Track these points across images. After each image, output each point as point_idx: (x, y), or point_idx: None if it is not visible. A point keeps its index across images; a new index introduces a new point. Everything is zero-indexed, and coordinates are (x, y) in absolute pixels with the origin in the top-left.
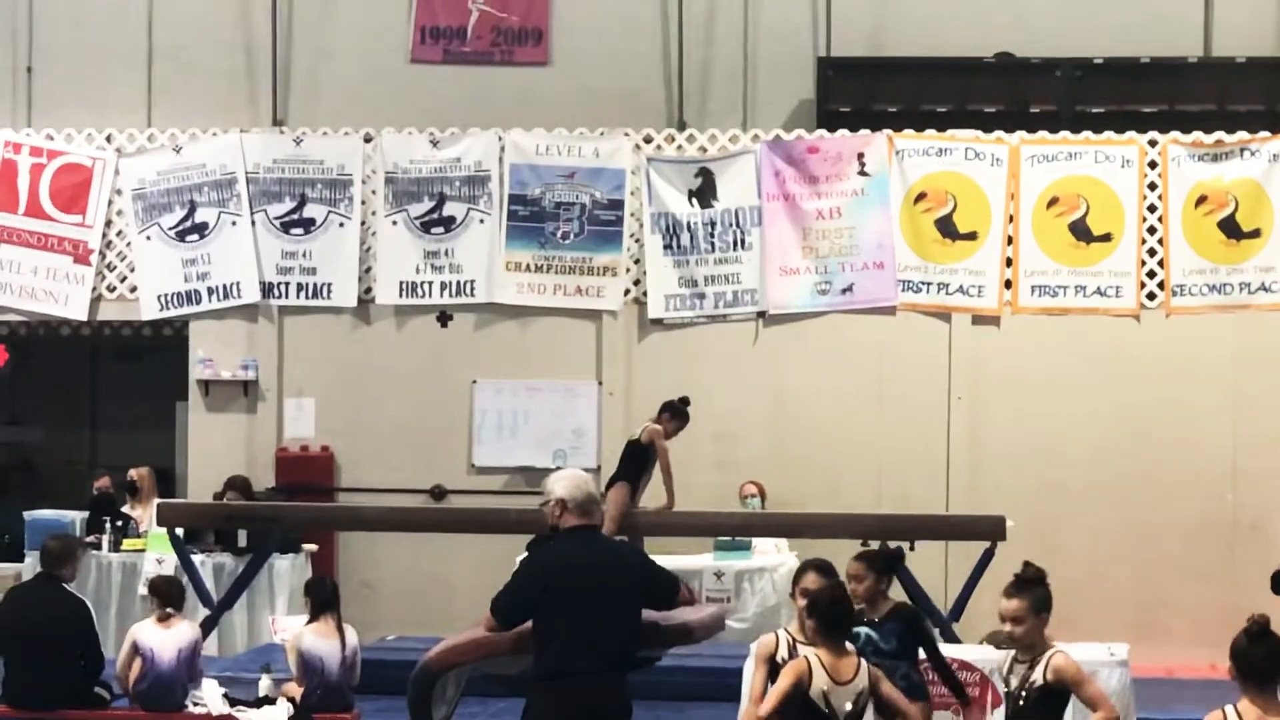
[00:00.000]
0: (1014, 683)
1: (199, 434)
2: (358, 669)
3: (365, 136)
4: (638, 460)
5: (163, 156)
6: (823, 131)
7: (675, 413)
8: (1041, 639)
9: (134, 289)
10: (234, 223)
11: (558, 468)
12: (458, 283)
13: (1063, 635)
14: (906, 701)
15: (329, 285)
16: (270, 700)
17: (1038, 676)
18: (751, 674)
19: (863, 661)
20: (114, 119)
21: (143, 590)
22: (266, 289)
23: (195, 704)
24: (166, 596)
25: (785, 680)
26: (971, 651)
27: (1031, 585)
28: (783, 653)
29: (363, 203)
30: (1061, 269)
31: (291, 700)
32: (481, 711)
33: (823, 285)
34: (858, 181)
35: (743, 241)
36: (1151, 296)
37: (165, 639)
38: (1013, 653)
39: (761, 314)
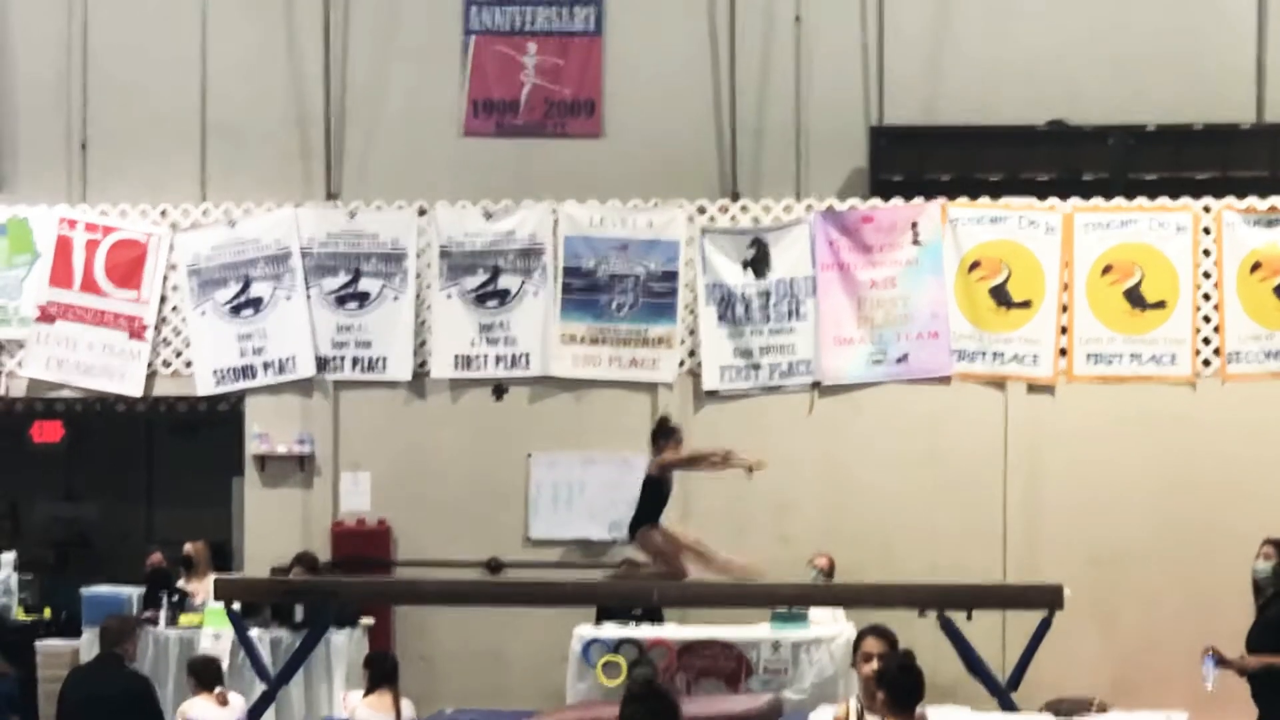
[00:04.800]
0: None
1: (255, 509)
2: None
3: (419, 210)
4: (655, 496)
5: (217, 232)
6: (876, 201)
7: (667, 434)
8: None
9: (189, 364)
10: (288, 297)
11: (614, 540)
12: (512, 355)
13: (1122, 703)
14: None
15: (384, 359)
16: None
17: None
18: None
19: None
20: (168, 194)
21: None
22: (321, 363)
23: None
24: (204, 676)
25: None
26: None
27: (890, 633)
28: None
29: (417, 276)
30: (1116, 337)
31: None
32: None
33: (877, 355)
34: (911, 251)
35: (797, 311)
36: (1207, 363)
37: (222, 716)
38: (855, 703)
39: (816, 384)
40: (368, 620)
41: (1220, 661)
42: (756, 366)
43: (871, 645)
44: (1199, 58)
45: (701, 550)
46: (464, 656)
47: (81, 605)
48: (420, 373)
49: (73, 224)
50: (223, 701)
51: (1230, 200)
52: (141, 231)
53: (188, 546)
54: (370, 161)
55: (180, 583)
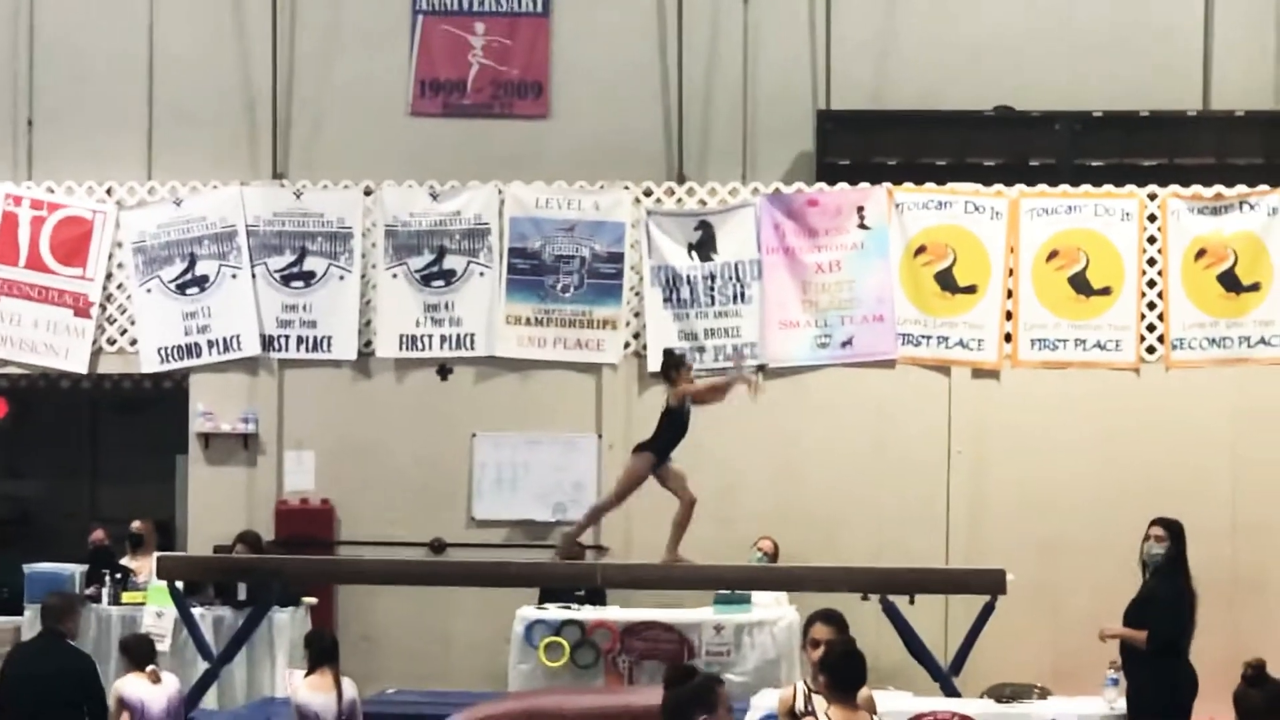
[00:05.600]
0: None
1: (199, 487)
2: None
3: (365, 189)
4: (670, 426)
5: (163, 209)
6: (822, 185)
7: (678, 364)
8: None
9: (134, 342)
10: (234, 275)
11: (558, 521)
12: (458, 336)
13: (1065, 689)
14: None
15: (329, 338)
16: None
17: None
18: None
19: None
20: (114, 172)
21: None
22: (267, 342)
23: None
24: (136, 654)
25: None
26: (972, 705)
27: (840, 618)
28: (799, 704)
29: (363, 255)
30: (1061, 322)
31: None
32: None
33: (823, 338)
34: (857, 235)
35: (743, 295)
36: (1151, 350)
37: (155, 693)
38: (803, 686)
39: (761, 367)
40: (310, 600)
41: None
42: (702, 349)
43: (819, 631)
44: (1146, 45)
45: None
46: (407, 637)
47: (24, 582)
48: (365, 352)
49: (18, 201)
50: (155, 679)
51: (1176, 188)
52: (87, 209)
53: (136, 524)
54: (317, 141)
55: (126, 560)
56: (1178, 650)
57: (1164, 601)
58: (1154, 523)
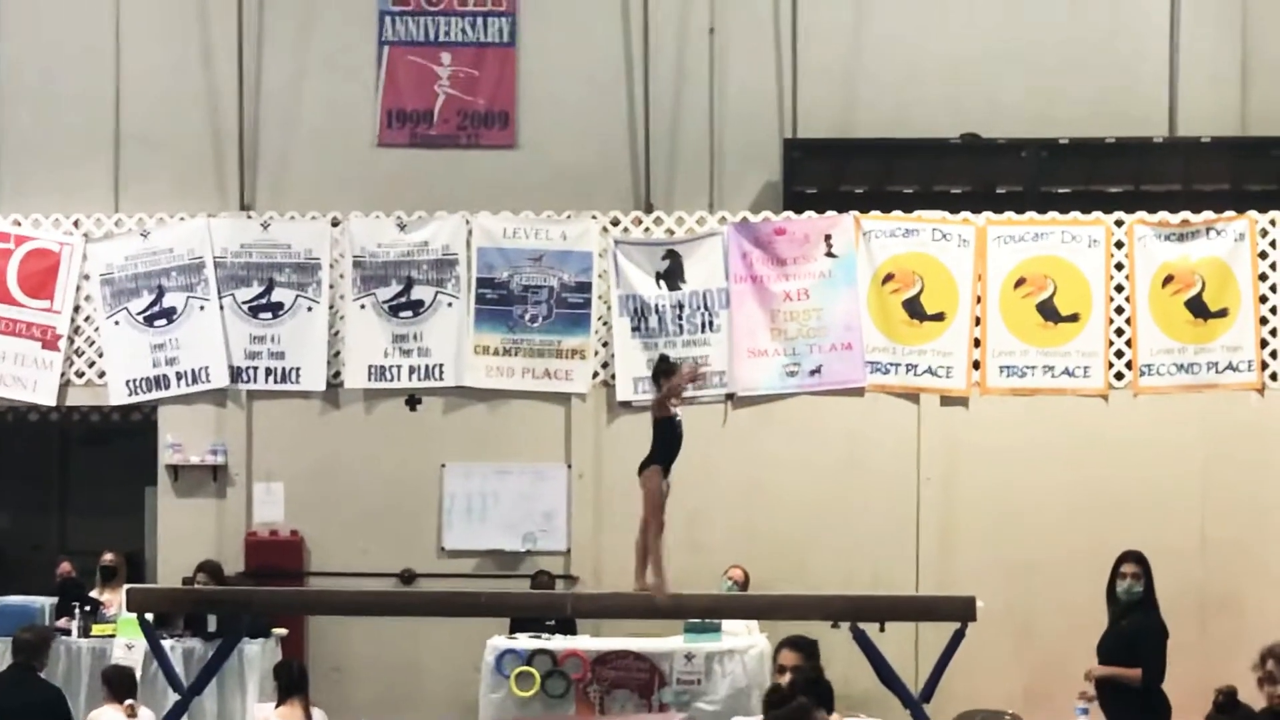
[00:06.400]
0: None
1: (168, 519)
2: None
3: (333, 220)
4: (662, 436)
5: (130, 241)
6: (789, 213)
7: (668, 371)
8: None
9: (102, 374)
10: (202, 307)
11: (527, 551)
12: (426, 366)
13: (1035, 715)
14: None
15: (297, 369)
16: None
17: None
18: None
19: None
20: (81, 204)
21: None
22: (235, 373)
23: None
24: (117, 687)
25: None
26: None
27: (809, 645)
28: None
29: (331, 286)
30: (1029, 349)
31: None
32: None
33: (791, 367)
34: (825, 263)
35: (711, 323)
36: (1119, 376)
37: None
38: None
39: (730, 396)
40: (281, 631)
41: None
42: None
43: (787, 658)
44: (1111, 72)
45: (656, 557)
46: (377, 667)
47: None
48: (334, 383)
49: None
50: (131, 714)
51: (1143, 214)
52: (54, 241)
53: (108, 556)
54: (284, 172)
55: (96, 592)
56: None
57: (1155, 636)
58: (1126, 559)
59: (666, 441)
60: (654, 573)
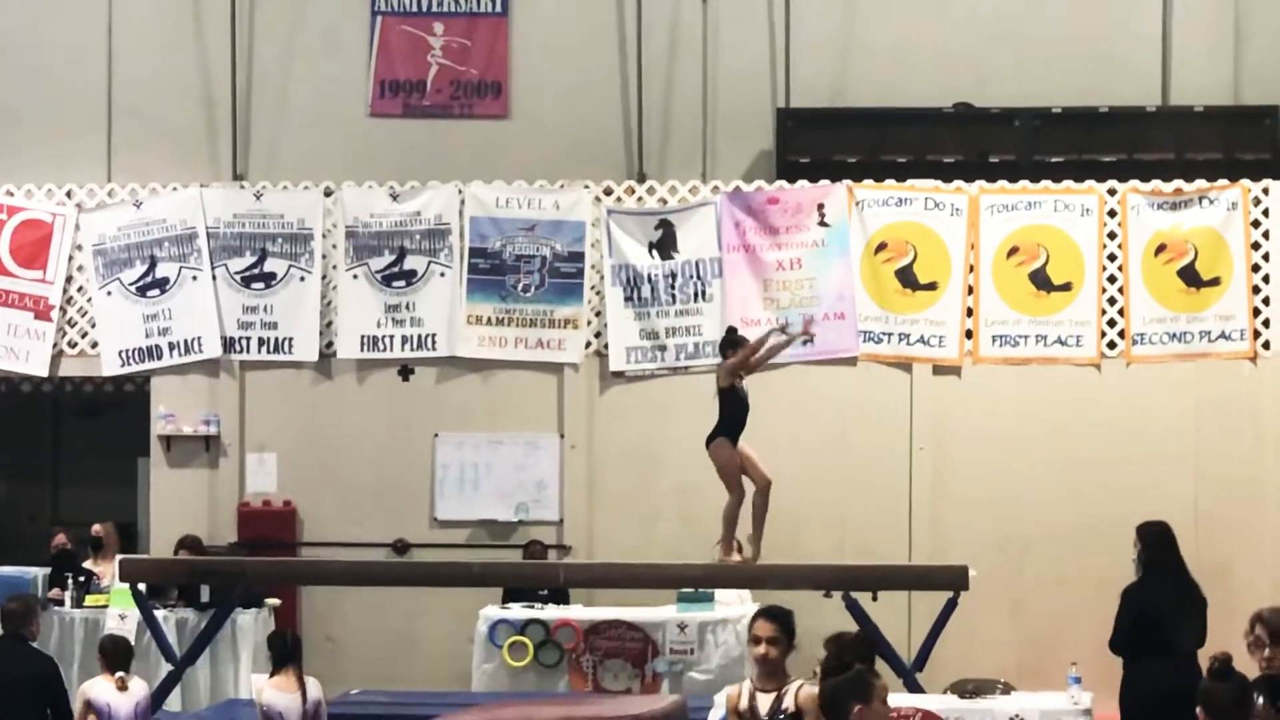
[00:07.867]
0: (763, 711)
1: (161, 489)
2: None
3: (325, 190)
4: (728, 407)
5: (123, 212)
6: (782, 183)
7: (735, 344)
8: (785, 669)
9: (95, 345)
10: (195, 278)
11: (520, 521)
12: (419, 336)
13: (1028, 684)
14: None
15: (290, 340)
16: None
17: (788, 703)
18: None
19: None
20: (74, 174)
21: None
22: (228, 344)
23: None
24: (112, 657)
25: None
26: (935, 701)
27: (784, 616)
28: (744, 703)
29: (323, 257)
30: (1022, 318)
31: None
32: None
33: None
34: (818, 232)
35: (703, 293)
36: (1112, 345)
37: (122, 698)
38: (749, 685)
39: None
40: (274, 601)
41: None
42: (663, 348)
43: (761, 628)
44: (1105, 41)
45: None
46: (370, 638)
47: None
48: (327, 353)
49: None
50: (122, 686)
51: (1135, 183)
52: (47, 211)
53: (97, 527)
54: (277, 142)
55: (88, 564)
56: (1131, 654)
57: (1121, 602)
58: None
59: (732, 412)
60: (750, 541)
